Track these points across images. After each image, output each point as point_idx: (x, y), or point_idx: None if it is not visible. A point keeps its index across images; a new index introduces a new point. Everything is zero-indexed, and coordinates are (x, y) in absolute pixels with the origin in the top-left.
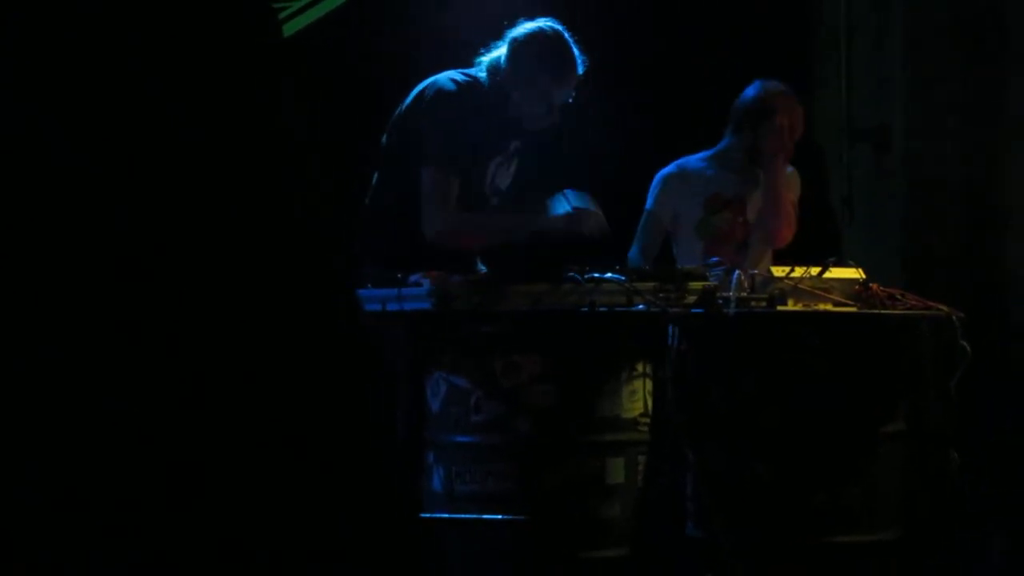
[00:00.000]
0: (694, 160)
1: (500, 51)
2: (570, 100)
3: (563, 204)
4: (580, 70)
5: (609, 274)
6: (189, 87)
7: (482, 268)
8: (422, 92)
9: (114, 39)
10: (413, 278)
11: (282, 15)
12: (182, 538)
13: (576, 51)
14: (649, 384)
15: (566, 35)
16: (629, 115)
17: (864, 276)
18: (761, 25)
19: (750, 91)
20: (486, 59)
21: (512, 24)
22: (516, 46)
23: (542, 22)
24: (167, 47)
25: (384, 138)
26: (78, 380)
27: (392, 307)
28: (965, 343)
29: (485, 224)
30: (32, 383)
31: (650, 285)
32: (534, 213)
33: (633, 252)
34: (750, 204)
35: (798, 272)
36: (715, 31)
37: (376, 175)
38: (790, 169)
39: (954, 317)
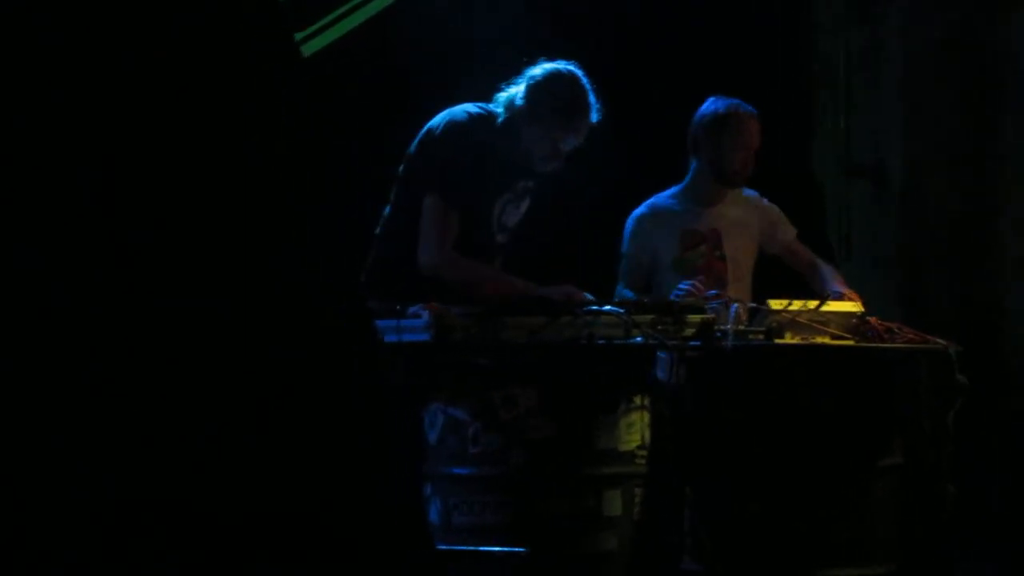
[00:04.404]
0: (664, 197)
1: (518, 88)
2: (578, 145)
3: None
4: (594, 117)
5: (608, 307)
6: (206, 106)
7: None
8: (435, 123)
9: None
10: (412, 310)
11: (302, 34)
12: (184, 538)
13: (591, 98)
14: (646, 417)
15: (583, 80)
16: (625, 153)
17: (862, 310)
18: (759, 62)
19: (704, 107)
20: (504, 95)
21: (533, 62)
22: (532, 85)
23: (561, 64)
24: (184, 70)
25: (400, 169)
26: (78, 381)
27: (391, 338)
28: (962, 377)
29: (477, 276)
30: (31, 389)
31: (648, 318)
32: (526, 282)
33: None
34: (726, 238)
35: (796, 305)
36: (713, 68)
37: (388, 207)
38: (754, 193)
39: (951, 351)
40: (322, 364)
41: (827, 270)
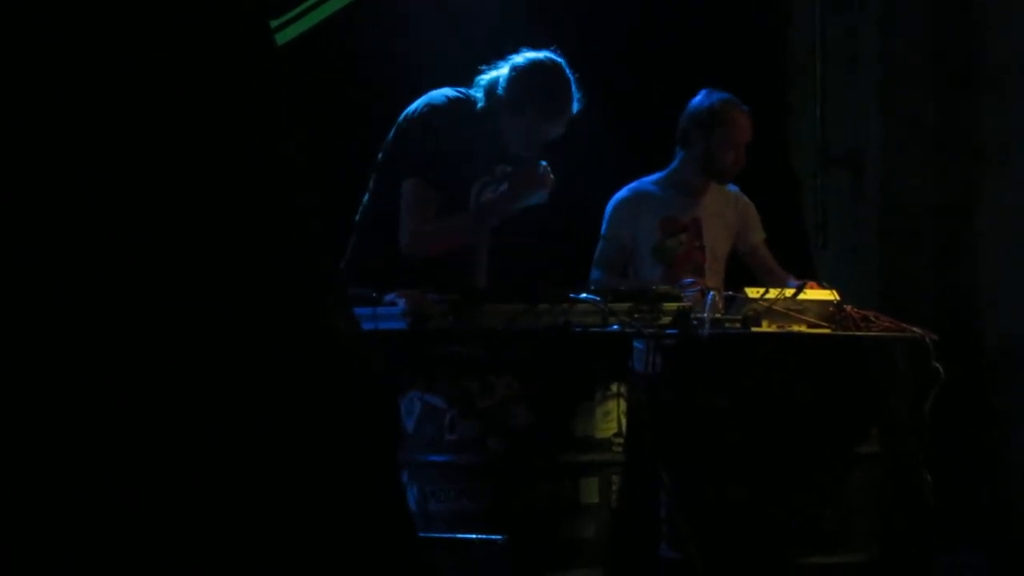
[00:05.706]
0: (647, 183)
1: (499, 73)
2: (558, 136)
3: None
4: (574, 108)
5: (584, 295)
6: (184, 100)
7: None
8: (413, 108)
9: (108, 61)
10: (388, 297)
11: (277, 22)
12: (178, 541)
13: (573, 89)
14: (623, 404)
15: (566, 71)
16: (599, 139)
17: (838, 298)
18: (734, 50)
19: (698, 101)
20: (484, 78)
21: (516, 50)
22: (513, 73)
23: (544, 54)
24: (162, 64)
25: (378, 156)
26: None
27: (367, 326)
28: (938, 365)
29: (446, 227)
30: (30, 385)
31: (625, 306)
32: (481, 203)
33: (595, 278)
34: (705, 229)
35: (772, 293)
36: (688, 56)
37: (367, 195)
38: (736, 188)
39: (927, 339)
40: (323, 364)
41: (785, 276)
